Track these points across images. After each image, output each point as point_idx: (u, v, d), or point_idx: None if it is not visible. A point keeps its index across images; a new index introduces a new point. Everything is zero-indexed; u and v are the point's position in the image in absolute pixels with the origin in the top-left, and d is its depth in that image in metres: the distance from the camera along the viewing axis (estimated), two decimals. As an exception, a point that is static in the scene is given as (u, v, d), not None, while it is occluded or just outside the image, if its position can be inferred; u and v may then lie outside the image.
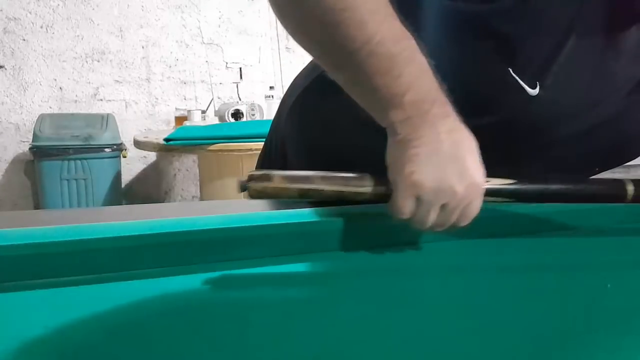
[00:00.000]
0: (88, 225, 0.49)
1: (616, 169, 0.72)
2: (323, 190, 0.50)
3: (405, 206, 0.48)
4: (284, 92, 0.79)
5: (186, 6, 2.99)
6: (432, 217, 0.48)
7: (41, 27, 2.74)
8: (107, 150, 2.58)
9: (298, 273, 0.51)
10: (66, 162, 2.52)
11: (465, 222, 0.50)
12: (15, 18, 2.70)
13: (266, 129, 0.82)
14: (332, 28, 0.46)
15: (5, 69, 2.70)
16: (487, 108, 0.57)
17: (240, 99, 2.89)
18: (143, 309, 0.42)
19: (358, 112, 0.52)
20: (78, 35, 2.80)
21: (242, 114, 2.43)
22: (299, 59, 3.22)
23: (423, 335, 0.39)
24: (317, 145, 0.70)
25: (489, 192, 0.50)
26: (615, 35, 0.54)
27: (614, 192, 0.54)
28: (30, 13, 2.72)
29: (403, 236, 0.56)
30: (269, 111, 2.43)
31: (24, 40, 2.72)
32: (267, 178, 0.50)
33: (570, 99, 0.57)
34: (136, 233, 0.48)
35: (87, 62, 2.83)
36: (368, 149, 0.60)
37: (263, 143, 0.84)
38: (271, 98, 2.55)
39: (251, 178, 0.50)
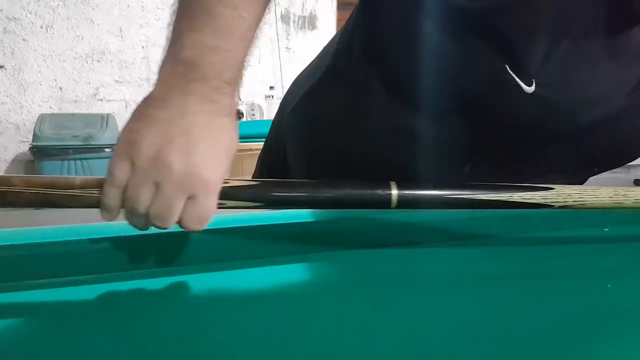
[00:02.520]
0: (88, 225, 0.49)
1: (616, 170, 0.72)
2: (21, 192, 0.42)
3: (116, 168, 0.41)
4: (285, 92, 0.78)
5: (186, 6, 2.99)
6: (145, 197, 0.41)
7: (41, 27, 2.74)
8: (107, 150, 2.58)
9: (298, 273, 0.51)
10: (66, 162, 2.52)
11: (194, 223, 0.42)
12: (15, 18, 2.70)
13: (266, 129, 0.82)
14: None
15: (5, 69, 2.70)
16: (483, 105, 0.57)
17: (240, 99, 2.89)
18: (143, 309, 0.42)
19: (361, 115, 0.52)
20: (78, 35, 2.80)
21: (242, 114, 2.44)
22: (299, 59, 3.22)
23: (421, 337, 0.39)
24: (318, 148, 0.70)
25: (227, 195, 0.45)
26: (613, 35, 0.54)
27: (377, 197, 0.47)
28: (30, 13, 2.72)
29: (403, 237, 0.56)
30: (269, 111, 2.43)
31: (24, 40, 2.72)
32: None
33: (566, 97, 0.57)
34: (136, 233, 0.48)
35: (87, 62, 2.83)
36: (370, 153, 0.60)
37: (263, 143, 0.84)
38: (271, 98, 2.55)
39: None
